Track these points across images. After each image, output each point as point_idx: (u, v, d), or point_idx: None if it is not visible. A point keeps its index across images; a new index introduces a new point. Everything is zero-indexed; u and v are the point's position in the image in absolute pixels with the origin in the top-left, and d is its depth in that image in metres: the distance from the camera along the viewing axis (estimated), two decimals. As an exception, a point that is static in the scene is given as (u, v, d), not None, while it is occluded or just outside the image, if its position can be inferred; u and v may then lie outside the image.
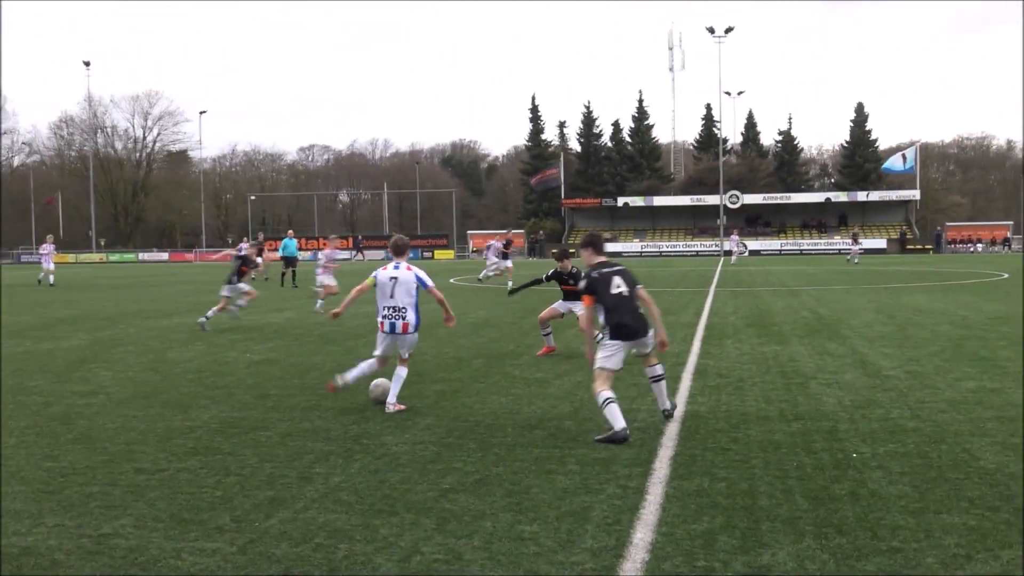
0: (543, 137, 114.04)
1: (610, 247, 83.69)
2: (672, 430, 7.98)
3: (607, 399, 7.72)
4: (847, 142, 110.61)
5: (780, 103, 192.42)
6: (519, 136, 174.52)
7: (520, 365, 12.16)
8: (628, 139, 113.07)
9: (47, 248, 37.39)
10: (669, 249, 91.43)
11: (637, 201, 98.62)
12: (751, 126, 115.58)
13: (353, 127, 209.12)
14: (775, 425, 8.15)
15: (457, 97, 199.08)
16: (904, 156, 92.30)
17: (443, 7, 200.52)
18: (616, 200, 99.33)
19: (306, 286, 29.11)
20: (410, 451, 7.35)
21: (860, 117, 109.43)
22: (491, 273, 33.94)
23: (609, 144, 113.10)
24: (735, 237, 62.85)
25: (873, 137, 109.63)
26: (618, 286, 8.16)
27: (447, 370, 11.70)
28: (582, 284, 8.27)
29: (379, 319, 9.33)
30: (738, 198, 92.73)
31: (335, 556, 4.95)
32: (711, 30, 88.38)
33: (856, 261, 51.80)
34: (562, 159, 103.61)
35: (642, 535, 5.22)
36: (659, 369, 8.43)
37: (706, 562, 4.80)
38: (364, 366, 9.43)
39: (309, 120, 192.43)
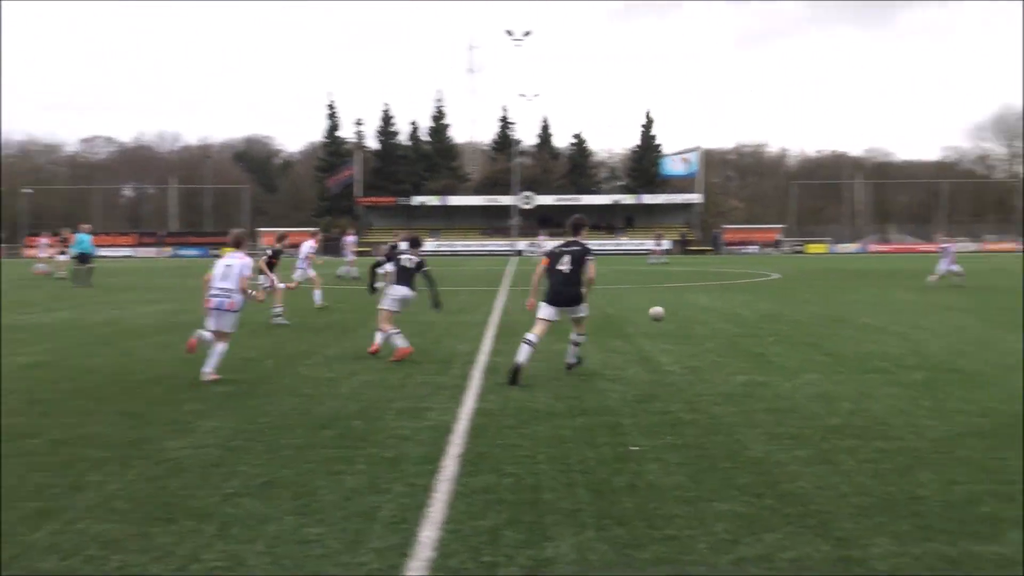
0: (339, 134, 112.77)
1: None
2: (461, 428, 8.06)
3: (525, 339, 10.61)
4: (636, 147, 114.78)
5: (574, 106, 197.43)
6: (315, 132, 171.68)
7: (311, 365, 11.99)
8: (426, 138, 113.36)
9: None
10: (463, 248, 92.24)
11: (432, 200, 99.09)
12: (545, 128, 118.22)
13: (140, 119, 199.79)
14: (562, 421, 8.37)
15: (250, 91, 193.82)
16: (686, 160, 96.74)
17: (246, 7, 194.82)
18: (411, 199, 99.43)
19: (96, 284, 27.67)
20: (192, 455, 7.11)
21: (648, 122, 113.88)
22: (345, 273, 33.89)
23: (407, 143, 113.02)
24: (662, 242, 58.55)
25: (658, 142, 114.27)
26: (564, 263, 10.88)
27: (235, 371, 11.38)
28: (545, 248, 11.05)
29: (209, 297, 10.97)
30: (531, 199, 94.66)
31: (107, 567, 4.74)
32: (509, 32, 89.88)
33: (664, 260, 54.07)
34: (359, 157, 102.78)
35: (428, 533, 5.25)
36: (578, 337, 11.25)
37: (491, 557, 4.88)
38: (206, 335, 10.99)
39: (91, 110, 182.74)
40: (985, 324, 16.68)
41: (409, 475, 6.50)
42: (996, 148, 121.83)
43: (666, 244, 59.81)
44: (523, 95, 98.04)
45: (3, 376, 11.03)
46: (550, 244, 27.03)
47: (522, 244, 75.24)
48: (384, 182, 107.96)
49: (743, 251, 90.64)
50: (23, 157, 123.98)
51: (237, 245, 11.46)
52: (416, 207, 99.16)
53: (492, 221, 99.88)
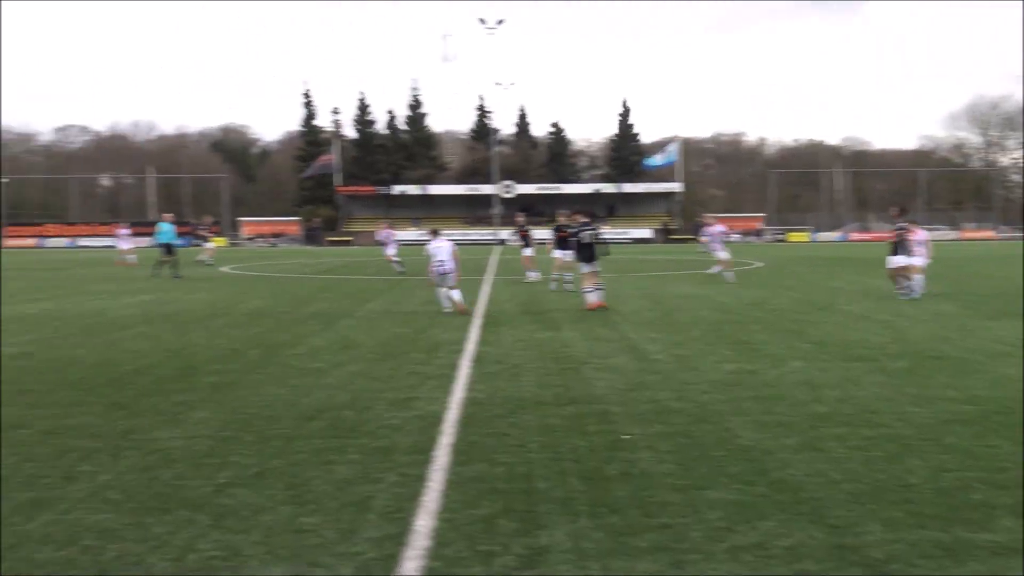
0: (316, 123, 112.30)
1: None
2: (452, 417, 8.07)
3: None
4: (615, 135, 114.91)
5: (551, 96, 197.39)
6: (292, 122, 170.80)
7: (297, 355, 11.95)
8: (403, 127, 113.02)
9: None
10: (446, 238, 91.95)
11: (413, 189, 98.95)
12: (523, 117, 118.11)
13: (114, 107, 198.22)
14: (550, 410, 8.38)
15: (227, 80, 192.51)
16: (665, 150, 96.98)
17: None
18: (391, 188, 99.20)
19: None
20: (183, 446, 7.09)
21: (626, 111, 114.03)
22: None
23: (384, 132, 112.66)
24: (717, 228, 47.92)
25: (636, 131, 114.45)
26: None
27: (221, 362, 11.35)
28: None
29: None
30: (512, 187, 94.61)
31: (104, 557, 4.73)
32: (482, 21, 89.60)
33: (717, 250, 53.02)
34: (337, 146, 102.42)
35: (424, 522, 5.26)
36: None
37: (487, 546, 4.89)
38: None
39: (66, 99, 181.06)
40: (966, 312, 16.81)
41: (401, 464, 6.50)
42: (971, 137, 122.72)
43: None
44: (499, 84, 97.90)
45: (-13, 367, 10.97)
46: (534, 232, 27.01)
47: (505, 233, 75.07)
48: (363, 171, 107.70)
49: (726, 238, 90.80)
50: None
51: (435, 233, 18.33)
52: (396, 196, 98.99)
53: (474, 210, 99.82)
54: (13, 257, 55.73)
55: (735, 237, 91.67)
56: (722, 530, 5.11)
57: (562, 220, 23.95)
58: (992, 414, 8.03)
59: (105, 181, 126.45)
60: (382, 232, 36.52)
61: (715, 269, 28.63)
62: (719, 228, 29.90)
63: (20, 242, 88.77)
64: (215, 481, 6.10)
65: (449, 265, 17.23)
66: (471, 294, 21.91)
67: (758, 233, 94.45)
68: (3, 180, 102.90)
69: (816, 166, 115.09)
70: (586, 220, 18.36)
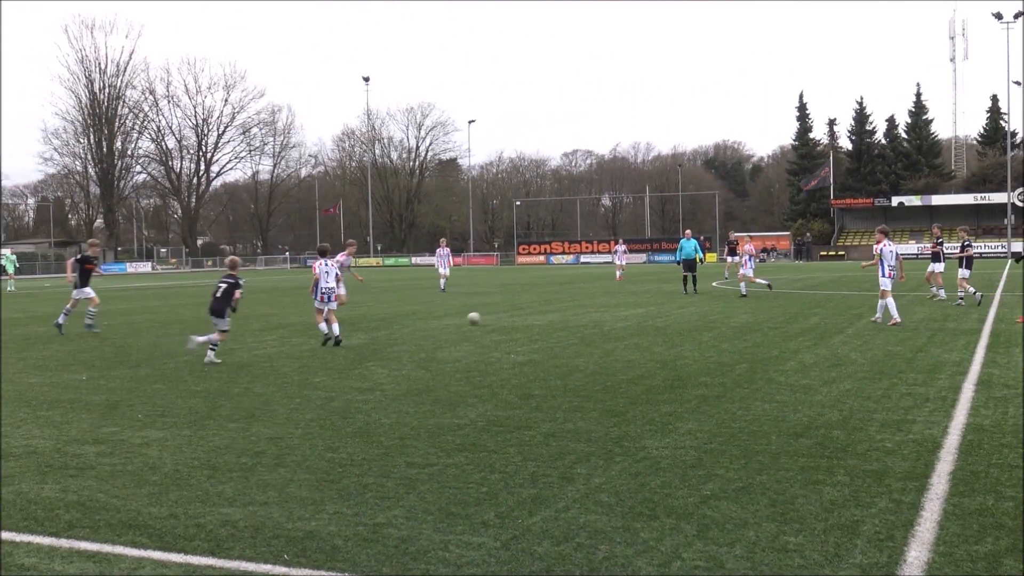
0: (811, 136, 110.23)
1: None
2: (951, 444, 7.48)
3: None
4: None
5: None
6: (785, 135, 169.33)
7: (785, 371, 11.79)
8: (904, 135, 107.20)
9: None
10: (951, 250, 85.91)
11: (913, 200, 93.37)
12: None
13: (615, 132, 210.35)
14: (1070, 442, 7.47)
15: (719, 98, 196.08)
16: None
17: (706, 7, 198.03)
18: (890, 199, 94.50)
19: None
20: (671, 455, 7.29)
21: None
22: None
23: (883, 141, 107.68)
24: None
25: None
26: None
27: (709, 375, 11.53)
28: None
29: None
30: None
31: (595, 557, 4.99)
32: (998, 16, 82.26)
33: None
34: (831, 158, 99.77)
35: (917, 553, 4.92)
36: None
37: (989, 586, 4.46)
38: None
39: (572, 125, 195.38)
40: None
41: (894, 490, 6.14)
42: None
43: None
44: (1017, 83, 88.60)
45: (501, 372, 12.11)
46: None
47: (1018, 245, 68.42)
48: (859, 183, 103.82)
49: None
50: (513, 172, 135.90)
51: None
52: (895, 208, 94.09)
53: (982, 221, 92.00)
54: (524, 273, 61.09)
55: None
56: None
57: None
58: None
59: (606, 201, 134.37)
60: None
61: None
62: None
63: (531, 259, 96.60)
64: (700, 492, 6.19)
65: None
66: (981, 310, 20.22)
67: None
68: (516, 202, 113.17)
69: None
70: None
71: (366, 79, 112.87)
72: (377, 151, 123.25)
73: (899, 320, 17.42)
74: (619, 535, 5.32)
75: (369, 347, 15.50)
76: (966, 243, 23.99)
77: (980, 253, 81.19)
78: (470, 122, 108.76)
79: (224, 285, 14.06)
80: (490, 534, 5.39)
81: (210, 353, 13.58)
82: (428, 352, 14.58)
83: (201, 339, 13.81)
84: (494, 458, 7.29)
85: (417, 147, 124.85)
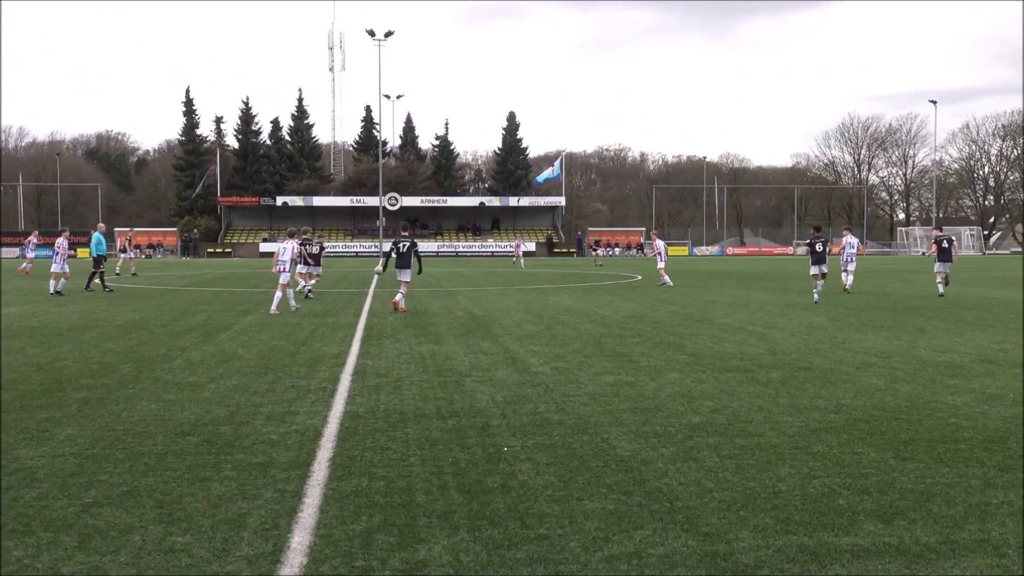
0: (198, 132, 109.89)
1: (270, 247, 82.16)
2: (331, 431, 7.97)
3: None
4: (499, 149, 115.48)
5: (438, 108, 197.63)
6: (172, 130, 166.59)
7: (172, 369, 11.64)
8: (288, 138, 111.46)
9: None
10: (330, 250, 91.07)
11: (296, 201, 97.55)
12: (410, 129, 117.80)
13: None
14: (432, 423, 8.35)
15: (102, 86, 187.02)
16: (552, 165, 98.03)
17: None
18: (275, 199, 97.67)
19: None
20: (48, 464, 6.81)
21: (512, 125, 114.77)
22: None
23: (268, 142, 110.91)
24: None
25: (524, 145, 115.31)
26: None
27: (92, 376, 10.97)
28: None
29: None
30: (397, 200, 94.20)
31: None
32: (371, 33, 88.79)
33: (598, 263, 57.47)
34: (219, 156, 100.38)
35: (300, 539, 5.17)
36: None
37: (364, 561, 4.83)
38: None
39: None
40: (835, 324, 17.40)
41: (279, 480, 6.38)
42: (843, 156, 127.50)
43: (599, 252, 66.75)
44: (387, 96, 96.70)
45: None
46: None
47: (388, 246, 74.65)
48: (246, 182, 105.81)
49: (608, 253, 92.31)
50: None
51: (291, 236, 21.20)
52: (279, 207, 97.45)
53: (358, 222, 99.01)
54: None
55: (616, 251, 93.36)
56: (599, 540, 5.16)
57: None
58: (859, 422, 8.33)
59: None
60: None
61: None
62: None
63: None
64: (82, 500, 5.88)
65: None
66: (354, 306, 21.72)
67: (640, 247, 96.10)
68: None
69: (697, 182, 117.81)
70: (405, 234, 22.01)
71: None
72: None
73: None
74: (-12, 557, 4.86)
75: None
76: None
77: (358, 253, 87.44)
78: None
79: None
80: None
81: None
82: None
83: None
84: None
85: None
